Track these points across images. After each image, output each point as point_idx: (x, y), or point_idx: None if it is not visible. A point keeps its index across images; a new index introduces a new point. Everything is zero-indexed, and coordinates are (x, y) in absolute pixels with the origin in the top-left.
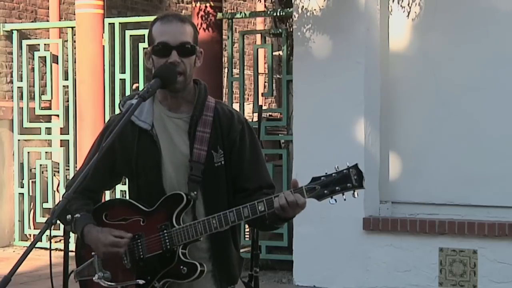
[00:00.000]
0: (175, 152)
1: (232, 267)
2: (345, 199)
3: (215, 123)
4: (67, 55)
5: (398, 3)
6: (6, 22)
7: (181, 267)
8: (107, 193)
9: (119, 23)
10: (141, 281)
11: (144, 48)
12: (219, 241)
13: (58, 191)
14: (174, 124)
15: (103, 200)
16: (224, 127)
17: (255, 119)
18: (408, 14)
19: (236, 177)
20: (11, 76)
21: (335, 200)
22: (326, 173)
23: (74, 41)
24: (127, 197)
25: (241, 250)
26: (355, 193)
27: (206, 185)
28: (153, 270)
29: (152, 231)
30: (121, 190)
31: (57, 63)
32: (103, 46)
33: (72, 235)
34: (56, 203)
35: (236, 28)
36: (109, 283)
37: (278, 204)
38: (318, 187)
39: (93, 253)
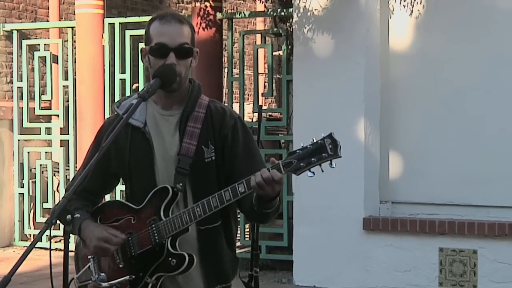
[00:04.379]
0: (167, 148)
1: (222, 263)
2: (322, 171)
3: (206, 119)
4: (67, 55)
5: (400, 3)
6: (6, 22)
7: (170, 259)
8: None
9: (119, 23)
10: (129, 277)
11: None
12: (208, 233)
13: (58, 191)
14: (166, 121)
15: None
16: (215, 123)
17: (255, 119)
18: (411, 13)
19: (230, 173)
20: (11, 76)
21: (313, 172)
22: (302, 146)
23: (74, 41)
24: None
25: (241, 250)
26: (333, 163)
27: (195, 179)
28: (144, 266)
29: (142, 227)
30: (121, 190)
31: (57, 63)
32: (103, 46)
33: (72, 235)
34: (56, 203)
35: (236, 28)
36: (104, 283)
37: (254, 182)
38: (294, 161)
39: (89, 257)
